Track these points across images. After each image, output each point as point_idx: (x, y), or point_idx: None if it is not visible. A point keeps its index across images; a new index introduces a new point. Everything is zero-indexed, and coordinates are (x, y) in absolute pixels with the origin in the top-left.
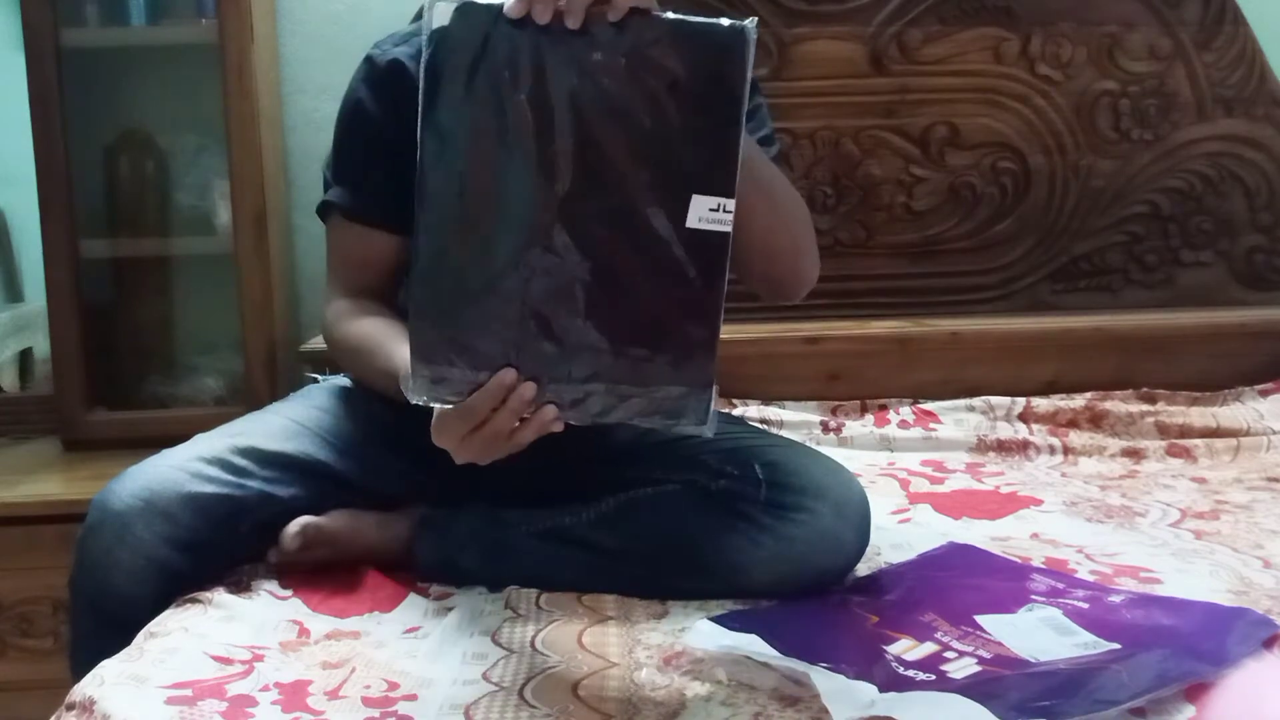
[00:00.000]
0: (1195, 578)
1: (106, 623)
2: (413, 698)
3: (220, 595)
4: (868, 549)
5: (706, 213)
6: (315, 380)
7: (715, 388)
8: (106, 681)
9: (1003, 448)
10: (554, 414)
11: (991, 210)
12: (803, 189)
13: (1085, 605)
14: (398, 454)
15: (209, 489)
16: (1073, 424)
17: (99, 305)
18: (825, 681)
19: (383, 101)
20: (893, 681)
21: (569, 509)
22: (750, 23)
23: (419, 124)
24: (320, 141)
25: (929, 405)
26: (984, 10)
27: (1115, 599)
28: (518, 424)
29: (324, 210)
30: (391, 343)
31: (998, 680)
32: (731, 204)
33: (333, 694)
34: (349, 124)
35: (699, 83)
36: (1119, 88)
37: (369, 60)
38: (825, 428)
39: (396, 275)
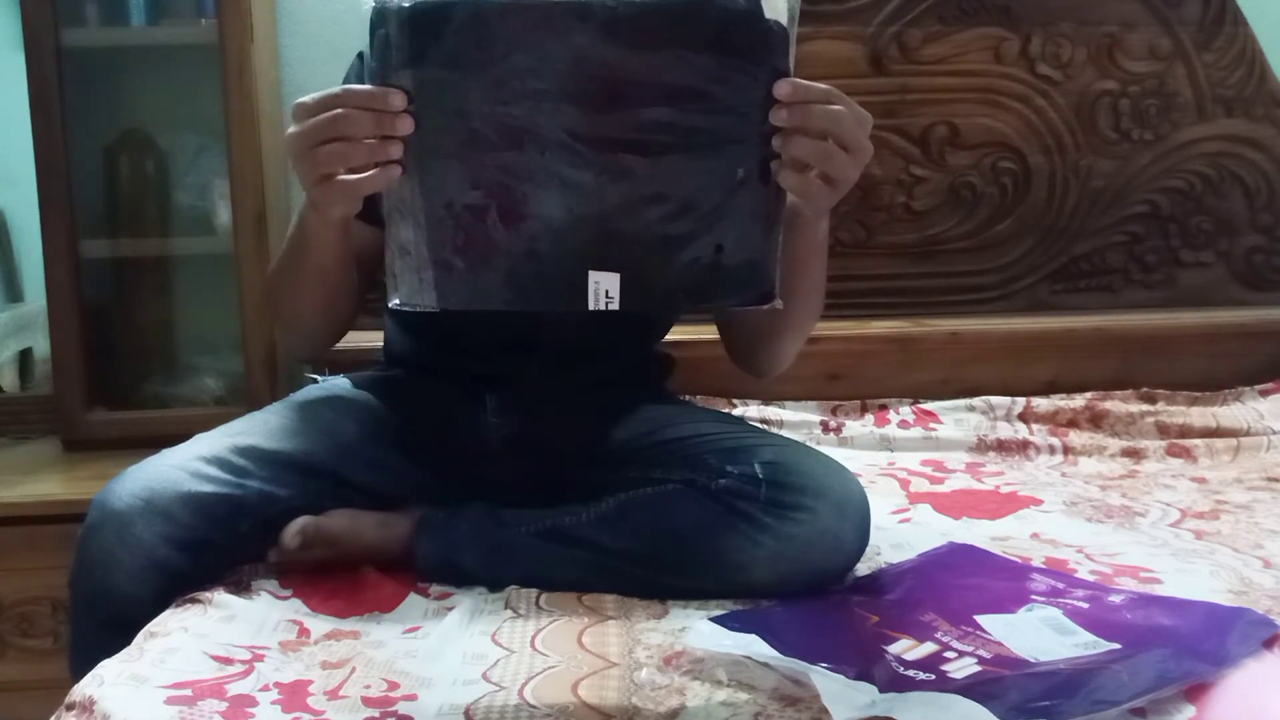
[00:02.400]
0: (1195, 578)
1: (106, 623)
2: (413, 698)
3: (220, 595)
4: (868, 549)
5: None
6: (315, 380)
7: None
8: (106, 681)
9: (1003, 448)
10: (399, 172)
11: (991, 210)
12: None
13: (1085, 605)
14: (398, 454)
15: (209, 488)
16: (1073, 424)
17: (99, 305)
18: (825, 682)
19: None
20: (893, 681)
21: (569, 509)
22: None
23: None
24: None
25: (929, 405)
26: (984, 10)
27: (1115, 599)
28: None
29: None
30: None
31: (998, 680)
32: None
33: (333, 694)
34: None
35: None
36: (1119, 88)
37: (360, 57)
38: (825, 428)
39: (363, 265)
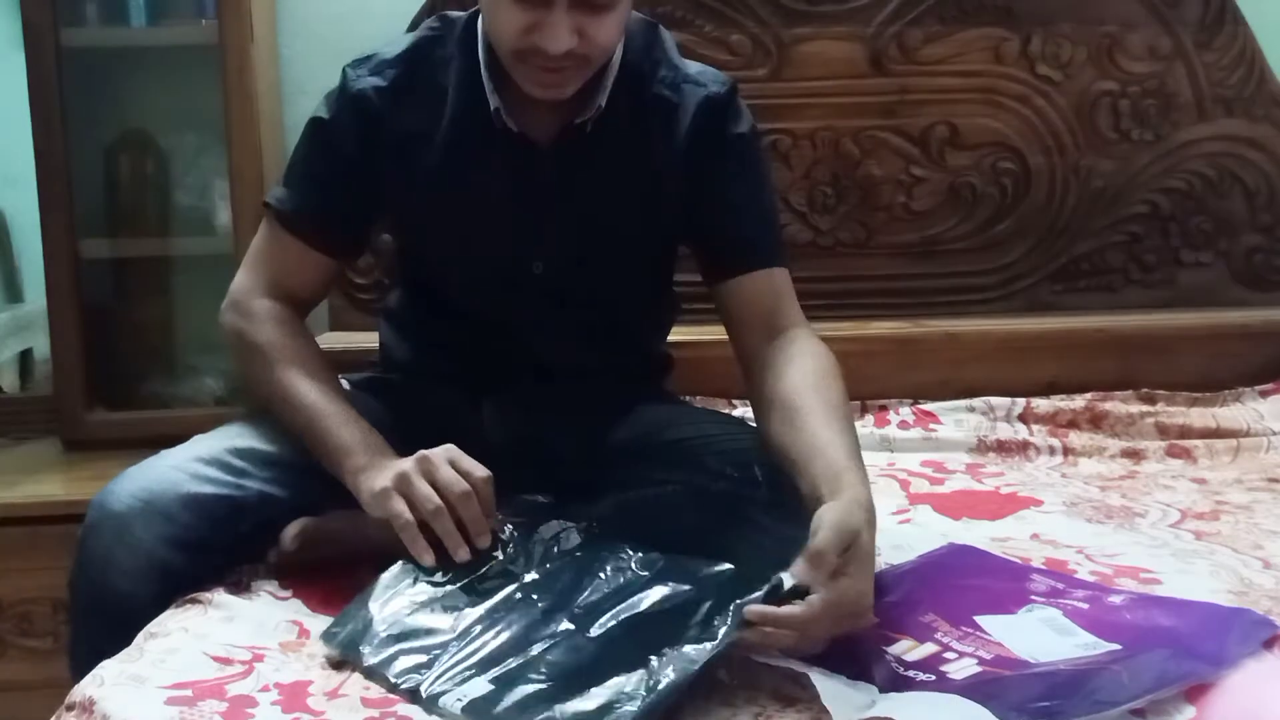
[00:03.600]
0: (1195, 578)
1: (106, 623)
2: None
3: (220, 595)
4: None
5: None
6: None
7: None
8: (106, 681)
9: (1003, 448)
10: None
11: (991, 210)
12: (803, 189)
13: (1085, 606)
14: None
15: (208, 489)
16: (1073, 425)
17: (99, 305)
18: (825, 682)
19: (342, 125)
20: (893, 682)
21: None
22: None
23: None
24: None
25: (929, 406)
26: (984, 10)
27: (1115, 599)
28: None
29: (265, 208)
30: (332, 422)
31: (998, 681)
32: None
33: (333, 694)
34: (309, 134)
35: None
36: (1119, 88)
37: (343, 77)
38: None
39: (318, 293)
